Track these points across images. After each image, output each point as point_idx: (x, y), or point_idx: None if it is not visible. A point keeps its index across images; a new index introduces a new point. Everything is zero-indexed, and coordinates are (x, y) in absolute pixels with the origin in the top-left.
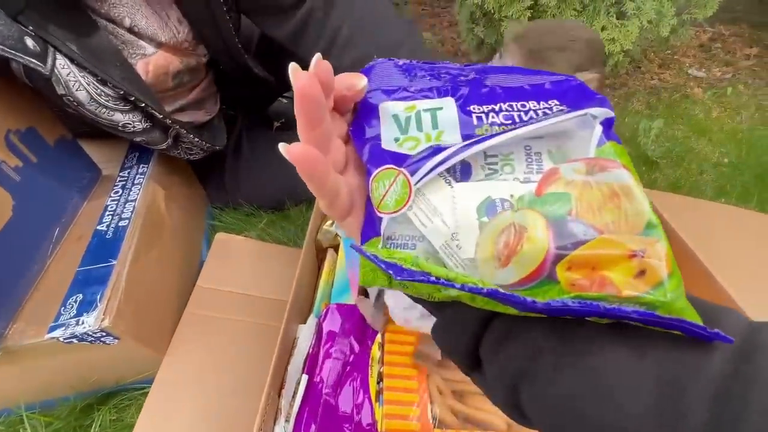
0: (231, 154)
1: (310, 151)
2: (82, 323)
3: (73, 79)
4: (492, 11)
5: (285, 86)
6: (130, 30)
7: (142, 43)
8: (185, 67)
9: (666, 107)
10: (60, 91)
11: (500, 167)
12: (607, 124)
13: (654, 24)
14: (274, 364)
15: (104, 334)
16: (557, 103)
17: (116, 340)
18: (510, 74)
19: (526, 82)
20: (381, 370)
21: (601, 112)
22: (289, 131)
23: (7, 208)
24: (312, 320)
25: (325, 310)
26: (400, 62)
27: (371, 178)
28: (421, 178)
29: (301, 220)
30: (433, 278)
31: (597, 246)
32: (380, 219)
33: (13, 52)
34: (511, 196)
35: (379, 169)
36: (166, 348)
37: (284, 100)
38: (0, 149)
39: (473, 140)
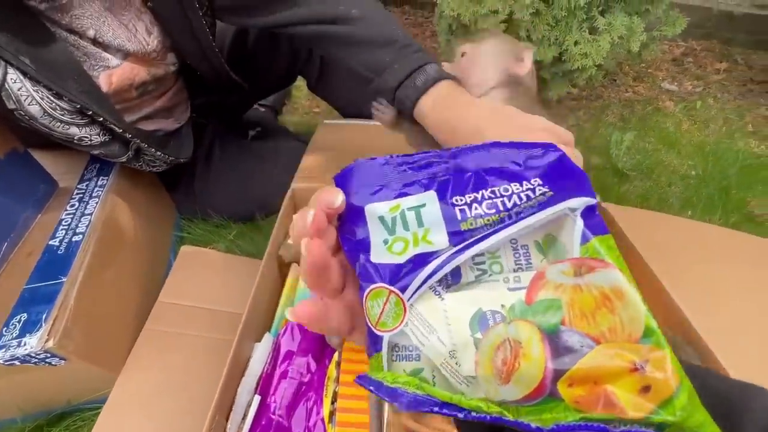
0: (202, 162)
1: (315, 311)
2: (24, 345)
3: (25, 93)
4: (468, 24)
5: (258, 94)
6: (95, 41)
7: (106, 54)
8: (152, 77)
9: (638, 120)
10: (10, 105)
11: (488, 266)
12: (589, 212)
13: (625, 39)
14: (222, 385)
15: (49, 355)
16: (539, 182)
17: (62, 361)
18: (488, 151)
19: (505, 161)
20: (336, 389)
21: (581, 202)
22: (264, 140)
23: None
24: (267, 338)
25: (284, 328)
26: (381, 159)
27: (364, 296)
28: (413, 294)
29: (271, 231)
30: (436, 408)
31: (596, 358)
32: (380, 337)
33: None
34: (502, 306)
35: (371, 288)
36: (121, 367)
37: (261, 109)
38: None
39: (459, 248)
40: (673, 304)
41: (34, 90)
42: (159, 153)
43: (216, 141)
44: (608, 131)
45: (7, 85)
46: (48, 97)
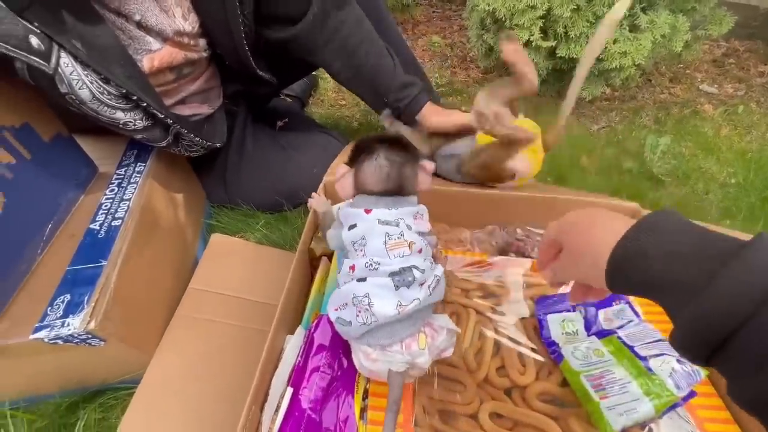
0: (234, 151)
1: None
2: (68, 325)
3: (76, 77)
4: (503, 19)
5: (284, 81)
6: (139, 25)
7: (148, 38)
8: (186, 60)
9: (675, 123)
10: (63, 89)
11: None
12: None
13: (667, 39)
14: (258, 377)
15: (90, 336)
16: None
17: (102, 342)
18: None
19: None
20: (367, 386)
21: None
22: (293, 132)
23: None
24: (300, 331)
25: (316, 321)
26: None
27: None
28: None
29: (298, 223)
30: None
31: None
32: None
33: (17, 51)
34: None
35: None
36: (154, 349)
37: (288, 99)
38: None
39: None
40: None
41: (84, 74)
42: (196, 138)
43: (248, 131)
44: (642, 134)
45: (60, 69)
46: (97, 82)
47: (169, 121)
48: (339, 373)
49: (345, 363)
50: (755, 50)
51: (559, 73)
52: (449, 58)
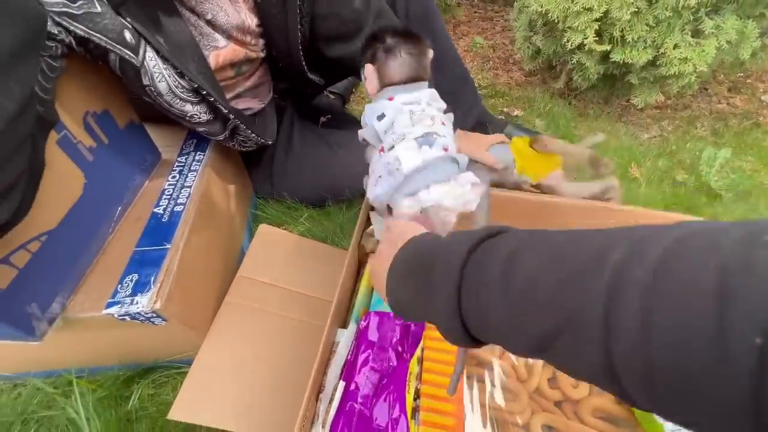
0: (282, 146)
1: None
2: (136, 303)
3: (157, 70)
4: (556, 20)
5: (331, 84)
6: (209, 22)
7: (216, 35)
8: (245, 58)
9: (734, 135)
10: (145, 81)
11: None
12: None
13: (733, 45)
14: (316, 369)
15: (154, 315)
16: None
17: (164, 322)
18: None
19: None
20: (418, 386)
21: None
22: (338, 128)
23: (79, 187)
24: (352, 326)
25: (365, 317)
26: None
27: None
28: None
29: (340, 218)
30: None
31: None
32: None
33: (115, 44)
34: None
35: None
36: (206, 332)
37: (331, 96)
38: (78, 129)
39: None
40: None
41: (164, 68)
42: (252, 134)
43: (294, 127)
44: (698, 146)
45: (145, 63)
46: (173, 75)
47: (231, 116)
48: (389, 371)
49: (395, 361)
50: None
51: (609, 79)
52: (491, 59)
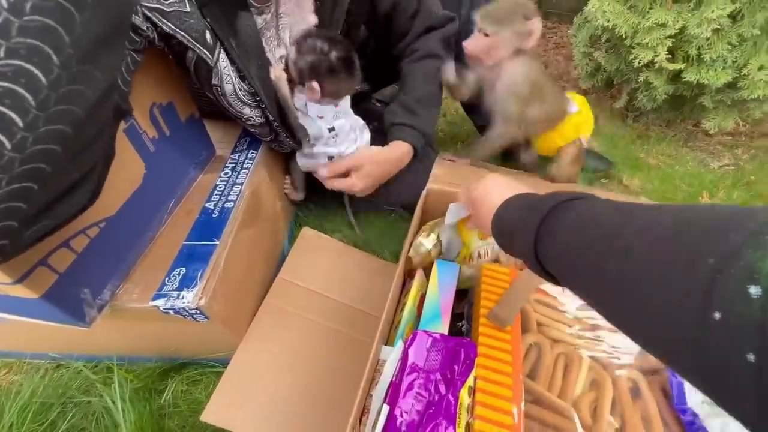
0: None
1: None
2: (182, 298)
3: (227, 72)
4: (624, 36)
5: (377, 90)
6: (280, 40)
7: (281, 50)
8: None
9: None
10: (215, 81)
11: None
12: None
13: None
14: (362, 390)
15: (198, 312)
16: None
17: (206, 320)
18: None
19: None
20: (469, 421)
21: None
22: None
23: (140, 175)
24: (399, 345)
25: (411, 336)
26: None
27: None
28: None
29: (382, 226)
30: None
31: None
32: None
33: (196, 44)
34: None
35: None
36: (244, 333)
37: (378, 104)
38: (144, 120)
39: None
40: None
41: (231, 70)
42: (288, 140)
43: None
44: None
45: (218, 64)
46: (237, 79)
47: (275, 124)
48: (436, 399)
49: (442, 389)
50: None
51: (677, 100)
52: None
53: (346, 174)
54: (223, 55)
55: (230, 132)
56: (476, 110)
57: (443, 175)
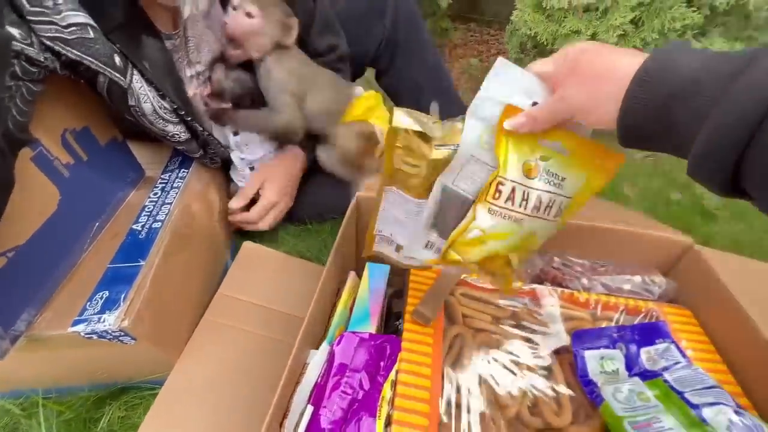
0: None
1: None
2: (104, 321)
3: (143, 92)
4: (545, 43)
5: None
6: (189, 61)
7: (191, 69)
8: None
9: None
10: (131, 102)
11: None
12: None
13: None
14: (279, 392)
15: (122, 334)
16: None
17: (133, 341)
18: None
19: None
20: (390, 412)
21: None
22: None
23: (53, 202)
24: (324, 347)
25: (339, 338)
26: None
27: None
28: None
29: (325, 234)
30: None
31: None
32: None
33: (106, 68)
34: None
35: None
36: (181, 352)
37: None
38: (55, 146)
39: None
40: None
41: (148, 89)
42: (221, 148)
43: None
44: None
45: (132, 85)
46: (156, 97)
47: (205, 134)
48: (361, 396)
49: (367, 385)
50: None
51: None
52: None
53: (254, 200)
54: (137, 77)
55: (161, 152)
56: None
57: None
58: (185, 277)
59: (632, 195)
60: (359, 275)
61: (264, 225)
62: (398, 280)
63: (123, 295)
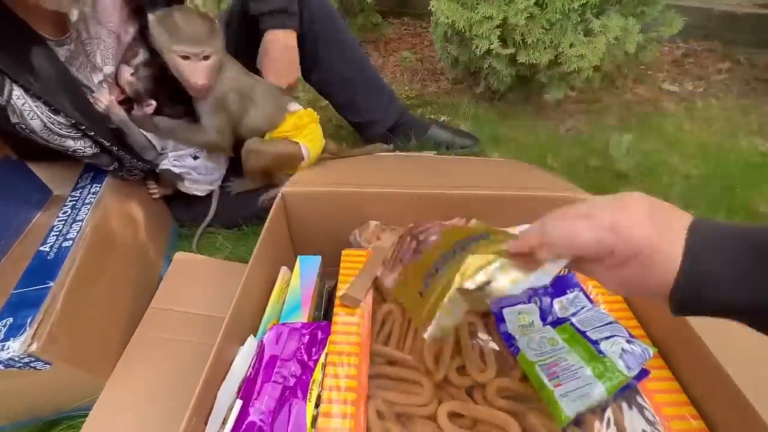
0: None
1: None
2: (7, 348)
3: (27, 108)
4: (463, 30)
5: None
6: (93, 63)
7: (98, 75)
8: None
9: (639, 121)
10: (14, 119)
11: None
12: None
13: (620, 41)
14: (201, 387)
15: (33, 359)
16: None
17: (47, 366)
18: None
19: None
20: (321, 392)
21: None
22: None
23: None
24: (251, 341)
25: (270, 331)
26: None
27: None
28: None
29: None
30: None
31: None
32: None
33: None
34: None
35: None
36: (110, 372)
37: None
38: None
39: None
40: None
41: (35, 105)
42: (139, 162)
43: None
44: (607, 133)
45: (12, 101)
46: (47, 113)
47: (114, 148)
48: (292, 382)
49: (299, 371)
50: (713, 49)
51: (523, 80)
52: (419, 71)
53: None
54: (18, 92)
55: (71, 169)
56: (348, 108)
57: (305, 175)
58: (109, 294)
59: (556, 165)
60: (293, 270)
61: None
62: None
63: (29, 320)
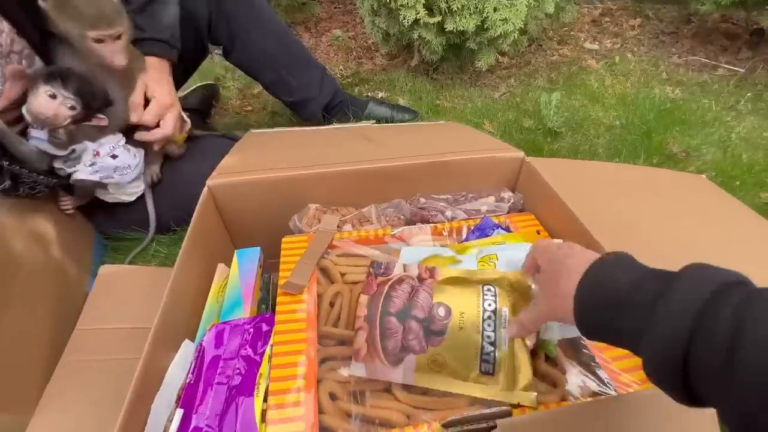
0: None
1: None
2: None
3: None
4: (389, 1)
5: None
6: None
7: None
8: None
9: (565, 80)
10: None
11: None
12: None
13: (540, 2)
14: (129, 403)
15: None
16: None
17: None
18: None
19: None
20: (268, 385)
21: None
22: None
23: None
24: (187, 346)
25: (209, 332)
26: None
27: None
28: None
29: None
30: None
31: None
32: None
33: None
34: None
35: None
36: (34, 408)
37: (185, 114)
38: None
39: None
40: (593, 241)
41: None
42: (41, 177)
43: None
44: (538, 94)
45: None
46: None
47: (5, 163)
48: (238, 380)
49: (243, 369)
50: (626, 8)
51: (454, 48)
52: (353, 50)
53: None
54: None
55: None
56: (279, 87)
57: (233, 166)
58: (19, 323)
59: (492, 129)
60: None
61: (167, 129)
62: None
63: None
